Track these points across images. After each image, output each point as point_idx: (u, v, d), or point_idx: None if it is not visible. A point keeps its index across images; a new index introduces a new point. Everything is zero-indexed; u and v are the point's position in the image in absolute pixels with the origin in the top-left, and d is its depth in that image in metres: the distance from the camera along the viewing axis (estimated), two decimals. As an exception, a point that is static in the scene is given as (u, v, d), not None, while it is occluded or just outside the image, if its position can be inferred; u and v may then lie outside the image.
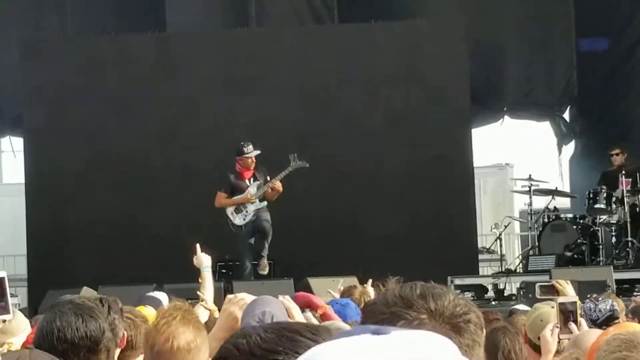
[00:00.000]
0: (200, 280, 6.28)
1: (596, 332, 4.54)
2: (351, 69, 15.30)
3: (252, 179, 13.19)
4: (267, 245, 13.04)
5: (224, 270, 12.89)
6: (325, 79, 15.27)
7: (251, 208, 13.10)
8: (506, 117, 17.58)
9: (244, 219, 13.08)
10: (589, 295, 6.27)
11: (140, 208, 15.01)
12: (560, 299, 4.94)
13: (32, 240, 15.04)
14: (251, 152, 13.07)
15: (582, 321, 5.00)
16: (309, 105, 15.24)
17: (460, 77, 15.26)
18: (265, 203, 13.15)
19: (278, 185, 12.99)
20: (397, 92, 15.18)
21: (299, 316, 4.12)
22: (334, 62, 15.32)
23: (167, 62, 15.54)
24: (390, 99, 15.17)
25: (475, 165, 15.37)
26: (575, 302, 4.91)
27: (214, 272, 12.13)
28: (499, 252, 14.93)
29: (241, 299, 4.13)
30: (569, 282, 6.52)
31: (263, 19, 17.12)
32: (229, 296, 4.25)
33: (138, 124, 15.34)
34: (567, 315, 4.80)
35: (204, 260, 6.34)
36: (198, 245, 6.40)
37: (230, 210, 13.11)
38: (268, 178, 13.07)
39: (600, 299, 5.94)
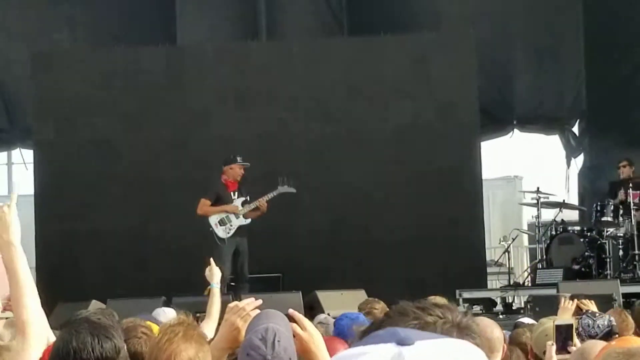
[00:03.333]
0: (205, 294, 6.35)
1: (601, 344, 4.65)
2: (360, 81, 15.35)
3: (236, 193, 13.10)
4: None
5: (232, 284, 12.93)
6: (335, 91, 15.33)
7: (236, 223, 12.95)
8: (515, 130, 17.69)
9: (228, 233, 12.94)
10: (585, 311, 6.36)
11: (149, 221, 15.05)
12: (558, 321, 5.04)
13: (41, 253, 15.05)
14: (241, 162, 12.99)
15: (577, 342, 5.09)
16: (319, 118, 15.30)
17: (470, 89, 15.29)
18: (249, 221, 13.03)
19: (264, 205, 12.88)
20: (406, 105, 15.22)
21: (311, 327, 4.02)
22: (344, 75, 15.38)
23: (178, 75, 15.61)
24: (399, 112, 15.21)
25: (484, 177, 15.42)
26: (571, 325, 5.00)
27: (222, 286, 12.19)
28: (507, 265, 14.94)
29: (242, 309, 4.11)
30: (592, 302, 6.59)
31: (273, 31, 17.23)
32: (230, 305, 4.21)
33: (148, 137, 15.40)
34: (561, 336, 4.89)
35: (215, 274, 6.42)
36: (212, 259, 6.61)
37: (214, 221, 12.95)
38: (248, 198, 13.00)
39: (597, 314, 6.02)
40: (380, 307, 7.67)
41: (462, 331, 1.96)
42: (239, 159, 13.03)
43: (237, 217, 12.98)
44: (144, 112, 15.45)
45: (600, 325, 5.81)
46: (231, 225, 12.96)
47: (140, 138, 15.42)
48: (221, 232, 12.94)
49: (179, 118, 15.41)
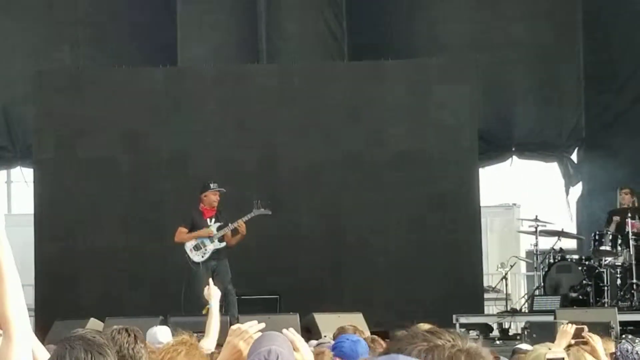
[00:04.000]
0: (204, 312, 6.44)
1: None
2: (361, 106, 15.38)
3: (213, 219, 13.27)
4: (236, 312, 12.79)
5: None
6: (335, 115, 15.33)
7: (210, 247, 13.15)
8: (514, 157, 17.68)
9: (202, 257, 13.15)
10: (624, 335, 6.30)
11: (148, 240, 15.02)
12: (549, 354, 5.00)
13: (40, 271, 15.03)
14: (216, 188, 13.18)
15: None
16: (318, 141, 15.30)
17: (469, 116, 15.33)
18: (224, 244, 13.17)
19: (243, 226, 12.97)
20: (407, 130, 15.26)
21: (304, 349, 4.09)
22: (344, 99, 15.40)
23: (178, 96, 15.61)
24: (399, 136, 15.25)
25: (482, 204, 15.39)
26: (563, 358, 4.97)
27: (220, 306, 12.23)
28: (504, 292, 14.94)
29: (244, 332, 4.11)
30: (596, 337, 6.54)
31: (273, 55, 17.22)
32: (233, 327, 4.22)
33: (148, 157, 15.44)
34: None
35: (214, 293, 6.49)
36: (211, 280, 6.95)
37: (189, 247, 13.20)
38: (229, 224, 13.11)
39: (637, 340, 5.95)
40: (351, 329, 7.66)
41: (470, 357, 1.99)
42: (212, 185, 13.26)
43: (212, 242, 13.19)
44: (144, 133, 15.47)
45: (639, 352, 5.74)
46: (205, 250, 13.19)
47: (140, 158, 15.44)
48: (196, 256, 13.21)
49: (179, 139, 15.42)
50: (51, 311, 13.65)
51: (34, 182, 15.88)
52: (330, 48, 17.35)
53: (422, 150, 15.20)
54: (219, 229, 13.20)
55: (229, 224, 13.13)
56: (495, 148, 17.37)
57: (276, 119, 15.40)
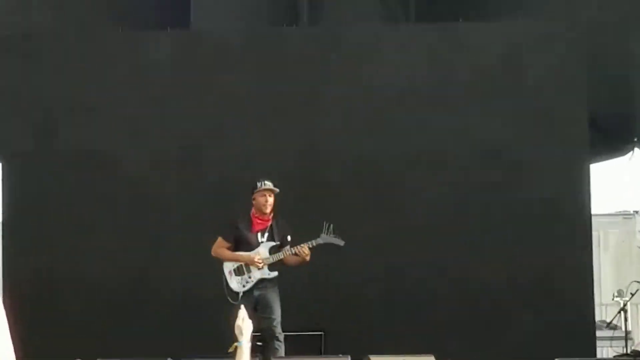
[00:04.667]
0: (229, 351, 6.11)
1: None
2: (430, 82, 15.35)
3: (265, 234, 12.62)
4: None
5: (259, 343, 12.73)
6: (393, 95, 15.29)
7: (256, 275, 12.49)
8: (636, 150, 17.71)
9: (244, 286, 12.52)
10: None
11: (150, 259, 15.04)
12: None
13: (10, 296, 14.80)
14: (263, 187, 12.55)
15: None
16: (373, 130, 15.29)
17: (576, 95, 15.20)
18: (275, 274, 12.53)
19: (306, 252, 12.35)
20: (489, 114, 15.21)
21: None
22: (407, 74, 15.35)
23: (191, 69, 15.62)
24: (479, 124, 15.20)
25: (593, 212, 15.32)
26: None
27: (255, 348, 12.03)
28: (623, 328, 14.99)
29: None
30: None
31: (317, 15, 17.32)
32: None
33: (149, 148, 15.43)
34: None
35: (246, 327, 6.10)
36: (243, 307, 6.28)
37: (229, 268, 12.57)
38: (288, 238, 12.48)
39: None
40: None
41: None
42: (259, 184, 12.68)
43: (260, 268, 12.59)
44: (144, 118, 15.50)
45: None
46: (249, 277, 12.58)
47: (139, 150, 15.44)
48: (235, 283, 12.60)
49: (191, 126, 15.45)
50: (25, 349, 13.43)
51: (2, 181, 15.88)
52: (391, 6, 17.36)
53: (510, 140, 15.17)
54: (271, 251, 12.58)
55: (288, 247, 12.44)
56: (611, 139, 17.36)
57: (318, 100, 15.38)
